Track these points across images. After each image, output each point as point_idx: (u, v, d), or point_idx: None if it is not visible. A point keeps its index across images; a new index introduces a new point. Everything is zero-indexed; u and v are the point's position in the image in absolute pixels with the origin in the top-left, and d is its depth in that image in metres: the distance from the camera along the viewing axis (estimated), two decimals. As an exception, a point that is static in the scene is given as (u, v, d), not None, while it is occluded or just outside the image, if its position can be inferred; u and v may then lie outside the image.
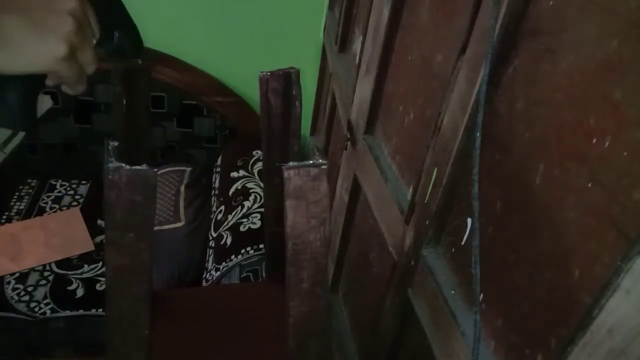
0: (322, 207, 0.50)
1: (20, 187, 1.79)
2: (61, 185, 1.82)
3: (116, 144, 0.47)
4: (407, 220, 0.78)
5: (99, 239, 1.59)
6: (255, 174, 1.62)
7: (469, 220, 0.63)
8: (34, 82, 0.47)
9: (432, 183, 0.69)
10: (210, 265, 1.42)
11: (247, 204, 1.50)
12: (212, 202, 1.69)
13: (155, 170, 0.47)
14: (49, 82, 0.49)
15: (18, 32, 0.42)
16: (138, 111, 0.64)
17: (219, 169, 1.74)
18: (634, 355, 0.40)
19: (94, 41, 0.49)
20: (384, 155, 0.95)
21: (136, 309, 0.55)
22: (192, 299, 0.80)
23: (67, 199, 1.76)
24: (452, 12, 0.70)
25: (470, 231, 0.62)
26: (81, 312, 1.41)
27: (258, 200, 1.50)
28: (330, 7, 1.60)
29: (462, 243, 0.65)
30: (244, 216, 1.46)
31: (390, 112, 0.94)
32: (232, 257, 1.36)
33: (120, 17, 0.54)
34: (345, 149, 1.17)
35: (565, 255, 0.46)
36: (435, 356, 0.68)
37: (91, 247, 1.57)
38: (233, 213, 1.49)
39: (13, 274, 1.47)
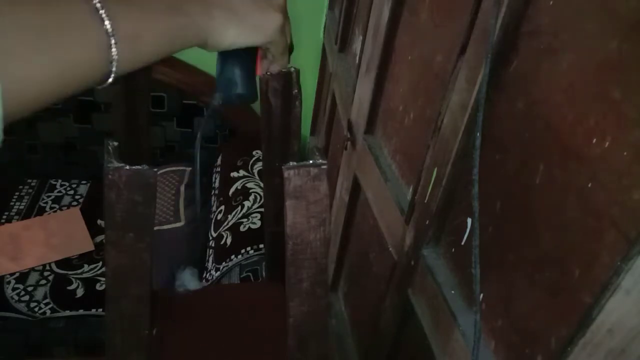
0: (322, 207, 0.50)
1: (20, 187, 1.79)
2: (61, 185, 1.82)
3: (116, 144, 0.47)
4: (407, 220, 0.78)
5: (99, 239, 1.59)
6: (255, 174, 1.62)
7: (469, 220, 0.63)
8: (251, 55, 0.53)
9: (432, 183, 0.69)
10: (210, 265, 1.42)
11: (247, 204, 1.50)
12: (212, 202, 1.69)
13: (155, 170, 0.47)
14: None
15: (245, 8, 0.46)
16: (138, 111, 0.64)
17: (219, 169, 1.74)
18: (634, 355, 0.40)
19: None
20: (384, 155, 0.95)
21: (136, 309, 0.55)
22: (192, 299, 0.80)
23: (67, 199, 1.77)
24: (452, 12, 0.70)
25: (470, 231, 0.62)
26: (81, 312, 1.41)
27: (258, 200, 1.50)
28: (330, 7, 1.60)
29: (462, 243, 0.65)
30: (244, 216, 1.46)
31: (390, 112, 0.94)
32: (232, 257, 1.36)
33: None
34: (345, 149, 1.17)
35: (565, 255, 0.46)
36: (435, 356, 0.68)
37: (91, 247, 1.57)
38: (233, 213, 1.49)
39: (13, 273, 1.47)
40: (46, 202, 1.74)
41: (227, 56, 0.51)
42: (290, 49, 0.60)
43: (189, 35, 0.44)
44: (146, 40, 0.41)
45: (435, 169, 0.68)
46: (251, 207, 1.48)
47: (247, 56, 0.52)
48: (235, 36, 0.46)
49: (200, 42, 0.45)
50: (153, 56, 0.42)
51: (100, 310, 1.41)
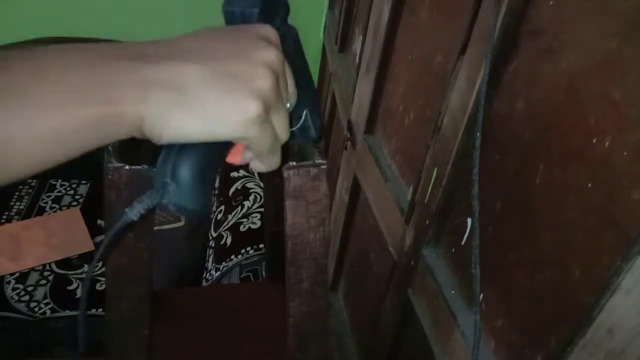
0: (321, 207, 0.50)
1: (20, 187, 1.79)
2: (61, 185, 1.82)
3: (116, 144, 0.47)
4: (407, 220, 0.78)
5: (99, 238, 1.59)
6: (255, 174, 1.62)
7: (469, 220, 0.63)
8: (212, 155, 0.35)
9: (432, 183, 0.69)
10: (210, 265, 1.42)
11: (247, 204, 1.50)
12: (212, 202, 1.69)
13: (155, 170, 0.47)
14: (235, 159, 0.38)
15: (202, 89, 0.32)
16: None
17: (219, 169, 1.74)
18: (634, 355, 0.40)
19: (288, 106, 0.39)
20: (384, 155, 0.95)
21: (136, 309, 0.55)
22: (192, 299, 0.80)
23: (67, 199, 1.76)
24: (452, 12, 0.70)
25: (470, 231, 0.62)
26: (81, 312, 1.41)
27: (258, 200, 1.50)
28: (330, 7, 1.60)
29: (462, 243, 0.65)
30: (244, 216, 1.46)
31: (390, 112, 0.94)
32: (232, 257, 1.35)
33: (309, 94, 0.44)
34: (345, 149, 1.17)
35: (565, 255, 0.46)
36: (435, 356, 0.67)
37: (91, 247, 1.57)
38: (233, 213, 1.49)
39: (13, 273, 1.47)
40: (46, 202, 1.74)
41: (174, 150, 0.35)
42: (318, 137, 0.45)
43: (111, 128, 0.31)
44: (22, 147, 0.29)
45: (435, 169, 0.68)
46: (251, 207, 1.48)
47: (206, 150, 0.35)
48: (182, 127, 0.32)
49: (132, 134, 0.33)
50: (41, 163, 0.31)
51: (100, 310, 1.41)
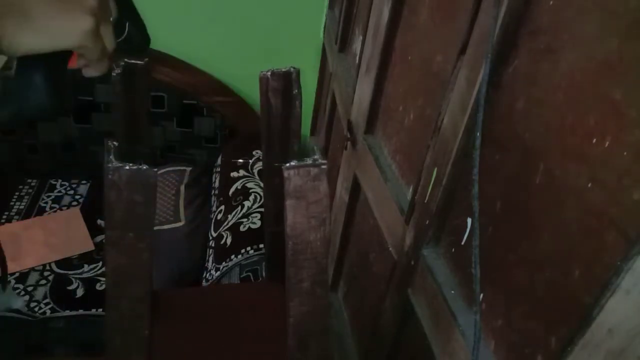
0: (322, 207, 0.50)
1: (20, 187, 1.79)
2: (61, 185, 1.82)
3: (116, 144, 0.47)
4: (407, 220, 0.78)
5: (99, 238, 1.59)
6: (255, 174, 1.62)
7: (469, 220, 0.63)
8: (59, 61, 0.46)
9: (432, 183, 0.69)
10: (210, 265, 1.42)
11: (247, 203, 1.50)
12: (212, 202, 1.69)
13: (155, 170, 0.47)
14: (73, 64, 0.49)
15: (42, 9, 0.41)
16: (138, 111, 0.64)
17: (219, 169, 1.74)
18: (633, 355, 0.40)
19: (111, 19, 0.49)
20: (384, 155, 0.95)
21: (136, 309, 0.55)
22: (192, 299, 0.80)
23: (67, 199, 1.76)
24: (452, 12, 0.70)
25: (470, 231, 0.62)
26: (81, 312, 1.41)
27: (258, 200, 1.50)
28: (330, 7, 1.60)
29: (462, 243, 0.65)
30: (244, 216, 1.46)
31: (390, 112, 0.94)
32: (232, 257, 1.36)
33: (129, 9, 0.55)
34: (345, 149, 1.17)
35: (565, 255, 0.46)
36: (435, 356, 0.68)
37: (91, 247, 1.57)
38: (233, 213, 1.49)
39: (13, 273, 1.47)
40: (46, 202, 1.74)
41: (26, 57, 0.44)
42: (144, 46, 0.56)
43: None
44: None
45: (435, 169, 0.68)
46: (251, 207, 1.48)
47: (49, 63, 0.45)
48: (31, 42, 0.42)
49: None
50: None
51: (100, 310, 1.41)
